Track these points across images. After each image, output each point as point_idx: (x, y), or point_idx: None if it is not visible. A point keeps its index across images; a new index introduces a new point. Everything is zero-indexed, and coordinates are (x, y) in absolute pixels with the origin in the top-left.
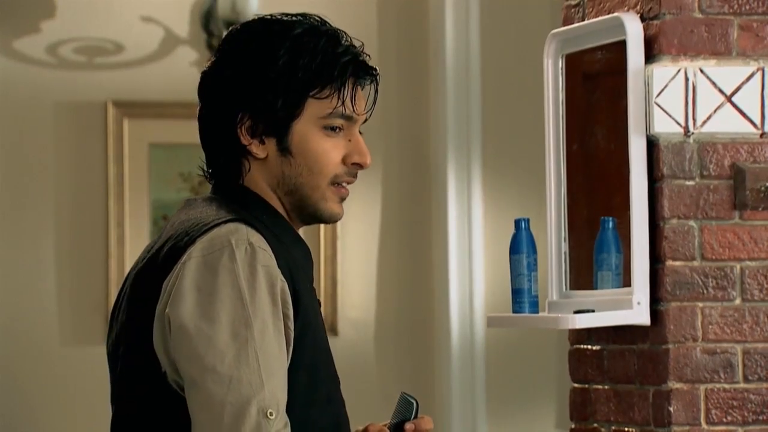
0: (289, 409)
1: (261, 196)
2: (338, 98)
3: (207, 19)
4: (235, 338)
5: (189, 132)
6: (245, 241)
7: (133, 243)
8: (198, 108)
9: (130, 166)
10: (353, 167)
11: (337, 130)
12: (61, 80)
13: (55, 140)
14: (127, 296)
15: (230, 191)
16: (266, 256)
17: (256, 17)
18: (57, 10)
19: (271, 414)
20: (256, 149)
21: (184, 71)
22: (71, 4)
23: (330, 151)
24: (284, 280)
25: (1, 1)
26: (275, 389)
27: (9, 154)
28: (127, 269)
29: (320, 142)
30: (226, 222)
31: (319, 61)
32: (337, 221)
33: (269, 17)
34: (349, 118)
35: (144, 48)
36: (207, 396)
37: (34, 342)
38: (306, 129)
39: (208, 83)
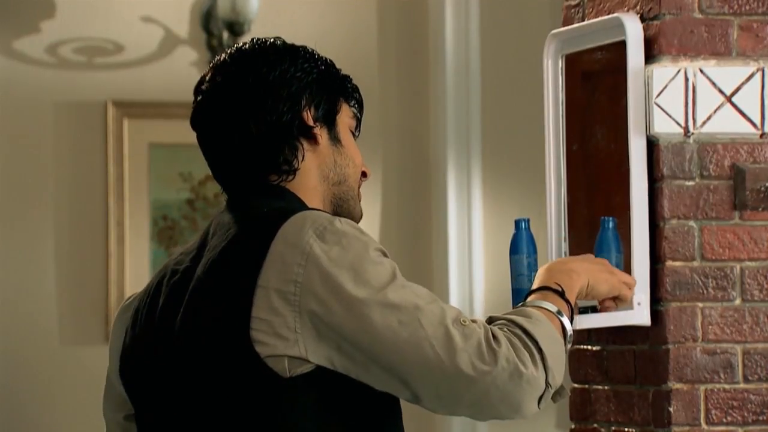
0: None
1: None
2: (357, 108)
3: (207, 19)
4: (399, 289)
5: (189, 132)
6: (328, 216)
7: (133, 243)
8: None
9: (130, 166)
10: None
11: (353, 135)
12: (61, 80)
13: (55, 140)
14: (193, 308)
15: (259, 186)
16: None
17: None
18: (57, 10)
19: (464, 321)
20: (318, 132)
21: (184, 71)
22: (71, 4)
23: (358, 151)
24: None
25: (1, 1)
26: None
27: (9, 154)
28: (128, 269)
29: (353, 140)
30: (289, 212)
31: (340, 73)
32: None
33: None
34: (355, 131)
35: (144, 48)
36: (410, 349)
37: (34, 342)
38: (344, 125)
39: (262, 73)
